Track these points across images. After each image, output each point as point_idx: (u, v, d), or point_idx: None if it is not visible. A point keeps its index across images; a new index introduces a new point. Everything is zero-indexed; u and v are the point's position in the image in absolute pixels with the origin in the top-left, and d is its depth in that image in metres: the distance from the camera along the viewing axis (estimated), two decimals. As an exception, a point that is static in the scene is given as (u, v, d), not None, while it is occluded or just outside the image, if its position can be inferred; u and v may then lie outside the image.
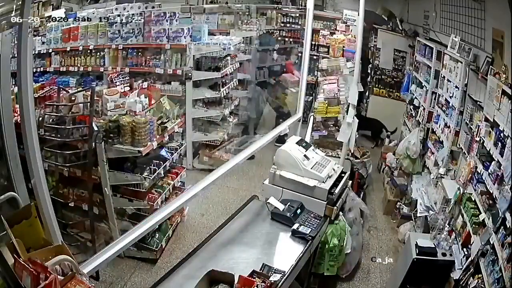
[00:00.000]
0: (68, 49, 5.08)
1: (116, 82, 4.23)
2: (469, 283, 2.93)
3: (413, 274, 3.39)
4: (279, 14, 8.03)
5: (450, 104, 4.39)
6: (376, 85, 7.52)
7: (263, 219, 3.35)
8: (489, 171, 3.15)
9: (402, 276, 3.46)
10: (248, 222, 3.30)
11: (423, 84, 5.48)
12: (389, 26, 7.02)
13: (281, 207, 3.29)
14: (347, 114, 4.38)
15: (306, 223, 3.19)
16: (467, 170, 3.63)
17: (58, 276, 1.49)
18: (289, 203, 3.32)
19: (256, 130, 6.94)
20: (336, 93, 4.65)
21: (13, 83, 2.88)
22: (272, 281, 2.36)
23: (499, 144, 3.05)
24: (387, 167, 5.79)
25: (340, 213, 3.62)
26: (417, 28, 6.29)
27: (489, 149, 3.23)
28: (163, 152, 4.11)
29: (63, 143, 3.57)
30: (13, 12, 1.97)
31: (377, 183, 6.02)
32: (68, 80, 4.96)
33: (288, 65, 7.65)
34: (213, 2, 7.48)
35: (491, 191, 3.07)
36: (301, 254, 2.93)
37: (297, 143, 3.65)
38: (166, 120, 4.01)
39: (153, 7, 5.51)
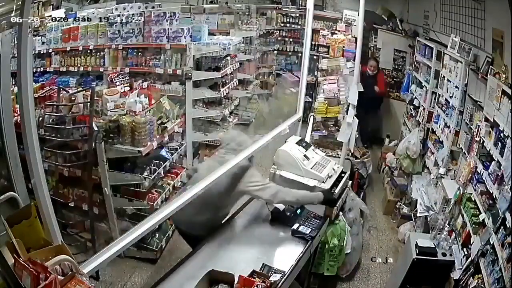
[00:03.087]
0: (68, 49, 5.07)
1: (116, 82, 4.23)
2: (469, 283, 2.93)
3: (413, 274, 3.39)
4: (279, 14, 8.03)
5: (450, 104, 4.39)
6: (376, 85, 7.50)
7: (263, 219, 3.34)
8: (489, 171, 3.15)
9: (402, 276, 3.46)
10: (248, 222, 3.30)
11: (423, 84, 5.47)
12: (389, 26, 7.01)
13: (281, 207, 3.29)
14: (347, 114, 4.38)
15: (306, 223, 3.18)
16: (467, 170, 3.62)
17: (58, 276, 1.49)
18: (289, 203, 3.32)
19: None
20: (336, 93, 4.65)
21: (13, 83, 2.89)
22: (272, 281, 2.36)
23: (499, 144, 3.05)
24: (387, 167, 5.78)
25: (340, 213, 3.62)
26: (417, 28, 6.29)
27: (489, 149, 3.23)
28: (163, 152, 4.12)
29: (63, 143, 3.57)
30: (13, 12, 1.98)
31: (377, 183, 6.01)
32: (68, 80, 4.95)
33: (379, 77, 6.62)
34: (213, 2, 7.47)
35: (491, 191, 3.07)
36: (301, 254, 2.92)
37: (297, 143, 3.64)
38: (166, 120, 4.01)
39: (153, 7, 5.50)
